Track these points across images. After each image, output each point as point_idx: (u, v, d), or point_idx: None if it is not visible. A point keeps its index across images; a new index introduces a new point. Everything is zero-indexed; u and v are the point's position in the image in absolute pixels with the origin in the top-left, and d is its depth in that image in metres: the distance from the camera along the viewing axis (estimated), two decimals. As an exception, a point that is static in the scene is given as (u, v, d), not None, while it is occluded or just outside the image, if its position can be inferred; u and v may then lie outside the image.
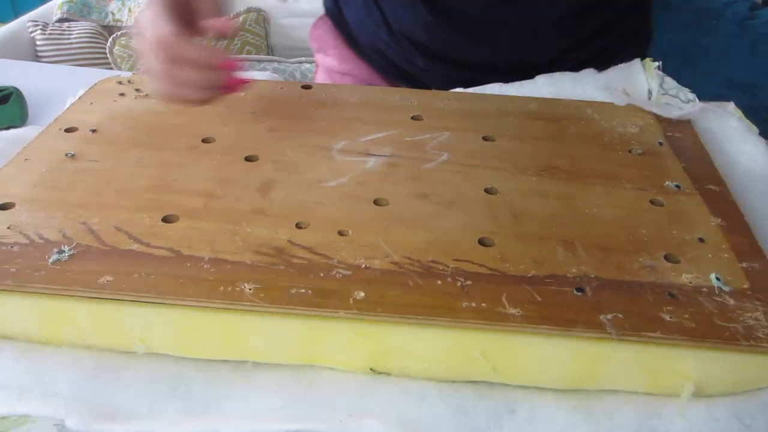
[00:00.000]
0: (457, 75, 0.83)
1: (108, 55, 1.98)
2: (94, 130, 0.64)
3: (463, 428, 0.45)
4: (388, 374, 0.48)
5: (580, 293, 0.47)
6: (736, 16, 1.57)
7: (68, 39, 1.99)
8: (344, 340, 0.47)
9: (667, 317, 0.45)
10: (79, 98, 0.71)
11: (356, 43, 0.93)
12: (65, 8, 2.08)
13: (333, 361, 0.48)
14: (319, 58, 1.01)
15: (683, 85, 0.81)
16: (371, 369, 0.48)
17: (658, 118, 0.70)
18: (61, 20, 2.07)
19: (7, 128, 0.78)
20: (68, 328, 0.48)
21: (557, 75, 0.79)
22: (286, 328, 0.46)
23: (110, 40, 1.97)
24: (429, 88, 0.77)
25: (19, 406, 0.45)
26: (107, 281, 0.46)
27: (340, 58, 0.96)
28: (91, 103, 0.69)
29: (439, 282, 0.47)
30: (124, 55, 1.94)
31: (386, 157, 0.61)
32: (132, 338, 0.48)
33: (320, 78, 1.01)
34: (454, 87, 0.80)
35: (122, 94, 0.71)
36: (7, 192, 0.55)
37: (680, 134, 0.67)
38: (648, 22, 0.93)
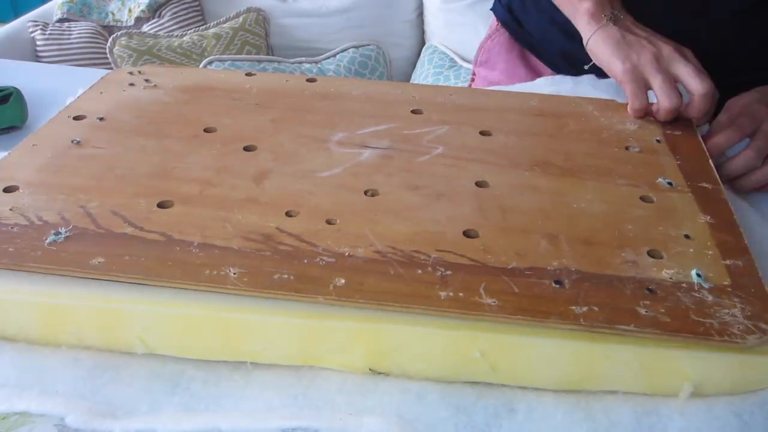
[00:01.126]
0: None
1: (108, 55, 2.00)
2: (101, 118, 0.66)
3: (462, 427, 0.45)
4: (387, 375, 0.48)
5: (558, 286, 0.47)
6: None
7: (68, 39, 2.01)
8: (343, 340, 0.47)
9: (642, 311, 0.45)
10: (90, 87, 0.73)
11: (537, 51, 0.94)
12: (65, 8, 2.10)
13: (332, 362, 0.48)
14: (481, 71, 1.02)
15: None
16: (370, 369, 0.48)
17: (659, 116, 0.70)
18: (61, 20, 2.09)
19: (8, 128, 0.80)
20: (68, 328, 0.49)
21: (558, 77, 0.79)
22: (285, 328, 0.47)
23: (110, 40, 1.99)
24: None
25: (19, 403, 0.46)
26: (99, 262, 0.48)
27: (509, 74, 0.96)
28: (101, 93, 0.71)
29: (420, 271, 0.48)
30: (124, 55, 1.96)
31: (382, 149, 0.62)
32: (131, 338, 0.49)
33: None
34: None
35: (132, 84, 0.73)
36: (12, 176, 0.57)
37: (680, 132, 0.67)
38: None
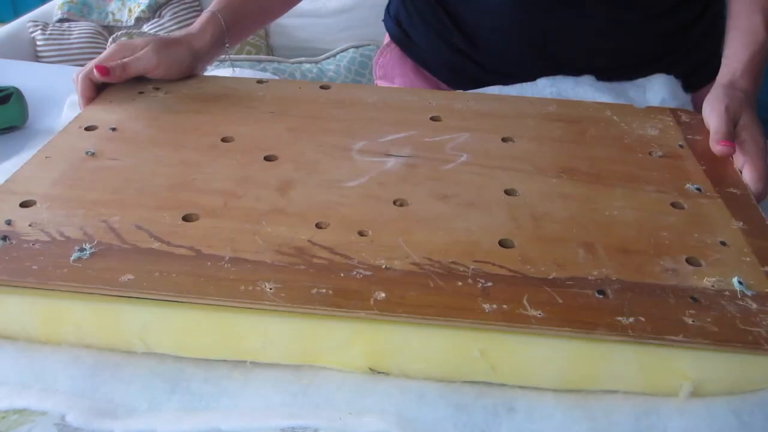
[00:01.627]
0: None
1: None
2: (113, 129, 0.65)
3: (462, 426, 0.45)
4: (387, 374, 0.48)
5: (601, 296, 0.47)
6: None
7: (68, 39, 1.99)
8: (342, 340, 0.47)
9: (689, 321, 0.45)
10: (99, 96, 0.71)
11: (426, 65, 0.94)
12: (65, 8, 2.08)
13: (332, 361, 0.48)
14: (380, 84, 1.01)
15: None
16: (370, 369, 0.48)
17: (678, 120, 0.70)
18: (61, 20, 2.07)
19: (8, 128, 0.79)
20: (68, 327, 0.49)
21: (559, 78, 0.79)
22: (285, 327, 0.46)
23: (110, 40, 1.98)
24: None
25: (19, 401, 0.45)
26: (128, 279, 0.47)
27: (407, 85, 0.96)
28: (110, 102, 0.70)
29: (460, 283, 0.47)
30: None
31: (405, 157, 0.61)
32: (131, 337, 0.48)
33: None
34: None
35: (141, 93, 0.71)
36: (28, 190, 0.55)
37: (700, 137, 0.67)
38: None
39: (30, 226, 0.51)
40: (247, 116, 0.68)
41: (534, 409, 0.46)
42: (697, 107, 0.79)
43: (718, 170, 0.62)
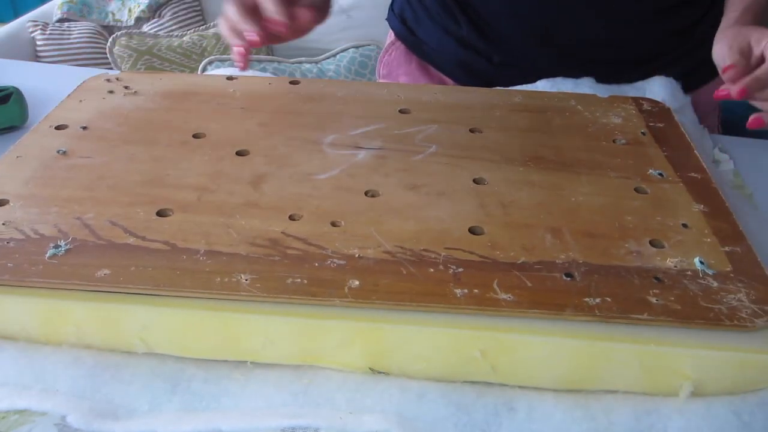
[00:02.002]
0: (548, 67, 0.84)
1: (108, 55, 1.97)
2: (84, 127, 0.65)
3: (462, 426, 0.45)
4: (387, 373, 0.48)
5: (568, 278, 0.48)
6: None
7: (68, 39, 1.98)
8: (342, 340, 0.47)
9: (653, 300, 0.46)
10: (68, 96, 0.71)
11: (434, 62, 0.94)
12: (65, 8, 2.07)
13: (332, 361, 0.48)
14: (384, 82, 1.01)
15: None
16: (370, 368, 0.48)
17: (640, 109, 0.71)
18: (61, 20, 2.06)
19: (8, 128, 0.79)
20: (68, 327, 0.49)
21: (559, 79, 0.80)
22: (285, 327, 0.47)
23: (110, 40, 1.96)
24: None
25: (19, 401, 0.45)
26: (104, 274, 0.47)
27: (412, 82, 0.96)
28: (81, 101, 0.70)
29: (432, 270, 0.48)
30: (124, 55, 1.93)
31: (375, 149, 0.62)
32: (131, 337, 0.48)
33: None
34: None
35: (111, 92, 0.71)
36: (0, 189, 0.56)
37: (662, 124, 0.69)
38: None
39: (3, 225, 0.52)
40: (218, 112, 0.68)
41: (534, 409, 0.46)
42: (697, 106, 0.81)
43: (680, 156, 0.63)
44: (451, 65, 0.93)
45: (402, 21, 0.97)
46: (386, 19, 1.02)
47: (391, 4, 1.01)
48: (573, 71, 0.83)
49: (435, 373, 0.48)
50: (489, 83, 0.85)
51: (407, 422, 0.45)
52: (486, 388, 0.48)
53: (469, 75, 0.91)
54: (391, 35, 1.01)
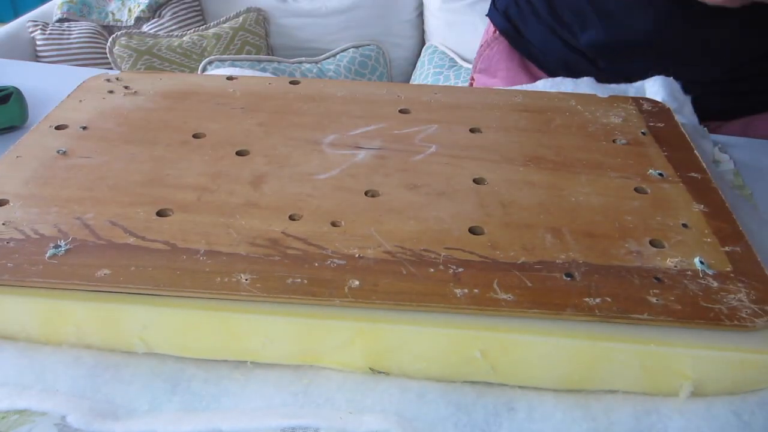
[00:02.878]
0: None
1: (108, 55, 1.98)
2: (84, 127, 0.65)
3: (462, 426, 0.45)
4: (387, 374, 0.48)
5: (569, 278, 0.48)
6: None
7: (68, 39, 1.99)
8: (343, 340, 0.47)
9: (653, 300, 0.46)
10: (68, 96, 0.71)
11: (538, 61, 0.94)
12: (65, 8, 2.08)
13: (332, 361, 0.48)
14: (480, 77, 1.01)
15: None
16: (370, 368, 0.48)
17: (641, 109, 0.71)
18: (61, 20, 2.07)
19: (8, 128, 0.79)
20: (68, 327, 0.49)
21: (559, 79, 0.80)
22: (285, 327, 0.47)
23: (110, 40, 1.97)
24: None
25: (19, 401, 0.46)
26: (105, 274, 0.47)
27: (510, 81, 0.96)
28: (80, 101, 0.70)
29: (432, 270, 0.48)
30: (124, 55, 1.94)
31: (376, 149, 0.62)
32: (131, 337, 0.48)
33: None
34: None
35: (111, 92, 0.71)
36: (0, 189, 0.56)
37: (662, 124, 0.69)
38: None
39: (3, 225, 0.52)
40: (218, 112, 0.68)
41: (534, 409, 0.46)
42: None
43: (680, 156, 0.63)
44: (555, 66, 0.93)
45: (506, 17, 0.97)
46: (487, 14, 1.02)
47: (494, 1, 1.01)
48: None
49: (435, 373, 0.48)
50: None
51: (407, 422, 0.45)
52: (486, 388, 0.48)
53: (573, 74, 0.89)
54: (489, 31, 1.01)
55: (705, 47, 0.84)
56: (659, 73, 0.82)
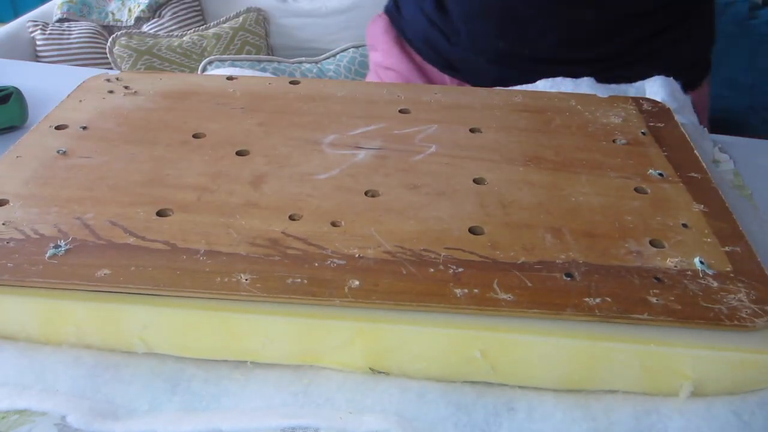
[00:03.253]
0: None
1: (108, 55, 1.98)
2: (84, 127, 0.65)
3: (462, 426, 0.45)
4: (387, 374, 0.48)
5: (569, 278, 0.48)
6: (736, 16, 1.57)
7: (68, 39, 1.99)
8: (343, 339, 0.47)
9: (653, 300, 0.46)
10: (68, 96, 0.71)
11: (406, 35, 0.98)
12: (65, 8, 2.08)
13: (331, 361, 0.48)
14: (371, 56, 1.05)
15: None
16: (370, 368, 0.48)
17: (640, 109, 0.71)
18: (61, 20, 2.07)
19: (8, 128, 0.79)
20: (68, 327, 0.49)
21: (559, 79, 0.80)
22: (285, 327, 0.47)
23: (110, 40, 1.97)
24: (474, 78, 0.84)
25: (19, 401, 0.46)
26: (105, 274, 0.47)
27: (387, 53, 0.99)
28: (80, 101, 0.70)
29: (432, 270, 0.48)
30: (124, 55, 1.94)
31: (376, 149, 0.62)
32: (132, 337, 0.48)
33: (369, 77, 1.05)
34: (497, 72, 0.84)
35: (111, 92, 0.71)
36: (0, 189, 0.56)
37: (662, 124, 0.69)
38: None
39: (3, 224, 0.52)
40: (218, 112, 0.68)
41: (534, 409, 0.46)
42: None
43: (680, 156, 0.63)
44: (420, 41, 0.96)
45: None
46: None
47: None
48: (531, 69, 0.85)
49: (435, 373, 0.48)
50: (450, 65, 0.91)
51: (407, 422, 0.45)
52: (486, 388, 0.48)
53: (436, 53, 0.94)
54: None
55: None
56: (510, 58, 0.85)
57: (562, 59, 0.87)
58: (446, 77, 0.96)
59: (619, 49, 0.88)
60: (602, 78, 0.81)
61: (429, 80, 0.97)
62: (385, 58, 1.00)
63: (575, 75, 0.83)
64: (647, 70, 0.83)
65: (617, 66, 0.80)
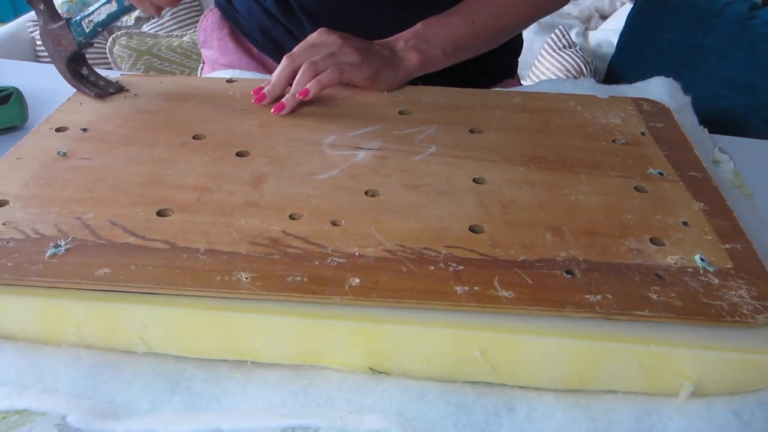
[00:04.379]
0: None
1: (108, 55, 1.98)
2: (84, 129, 0.65)
3: (462, 426, 0.45)
4: (388, 373, 0.48)
5: (569, 276, 0.48)
6: (736, 16, 1.57)
7: None
8: (343, 339, 0.47)
9: (654, 296, 0.46)
10: (68, 99, 0.71)
11: (242, 28, 0.96)
12: (65, 8, 2.08)
13: (332, 361, 0.48)
14: (204, 52, 1.04)
15: (683, 85, 0.82)
16: (370, 368, 0.48)
17: (640, 109, 0.72)
18: None
19: (8, 128, 0.79)
20: (68, 327, 0.48)
21: (558, 79, 0.80)
22: (285, 327, 0.47)
23: (110, 40, 1.97)
24: None
25: (20, 401, 0.45)
26: (105, 273, 0.47)
27: (222, 49, 0.98)
28: (81, 104, 0.70)
29: (432, 268, 0.48)
30: (124, 55, 1.94)
31: (375, 150, 0.62)
32: (132, 336, 0.48)
33: (206, 72, 1.03)
34: None
35: (111, 93, 0.72)
36: (0, 189, 0.56)
37: (662, 124, 0.69)
38: None
39: (3, 225, 0.52)
40: (218, 114, 0.68)
41: (534, 409, 0.46)
42: None
43: (680, 155, 0.63)
44: (255, 31, 0.95)
45: None
46: None
47: None
48: None
49: (435, 373, 0.48)
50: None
51: (407, 422, 0.45)
52: (486, 388, 0.48)
53: (271, 42, 0.93)
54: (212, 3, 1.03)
55: None
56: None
57: None
58: None
59: None
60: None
61: (268, 73, 0.93)
62: (221, 55, 0.99)
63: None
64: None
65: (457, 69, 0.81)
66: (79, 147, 0.62)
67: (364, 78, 0.72)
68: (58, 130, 0.65)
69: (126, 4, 0.68)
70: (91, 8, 0.68)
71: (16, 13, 2.65)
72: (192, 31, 2.08)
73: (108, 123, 0.66)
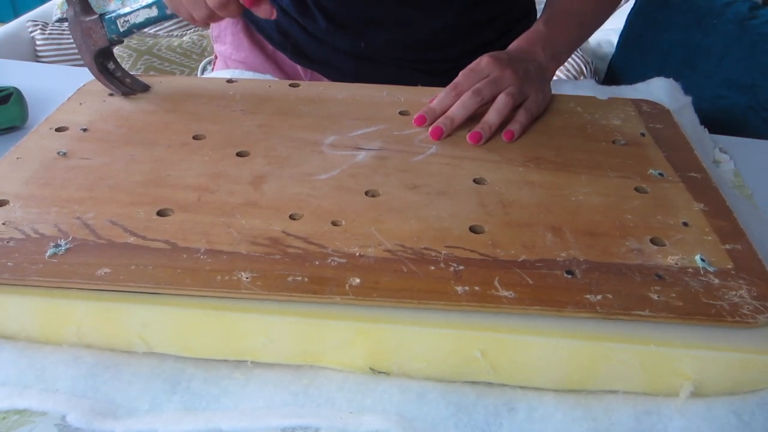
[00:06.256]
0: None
1: None
2: (84, 129, 0.65)
3: (462, 426, 0.45)
4: (388, 374, 0.48)
5: (569, 276, 0.48)
6: (736, 16, 1.57)
7: (68, 39, 1.98)
8: (343, 339, 0.47)
9: (654, 296, 0.46)
10: (68, 99, 0.71)
11: (258, 25, 0.96)
12: (65, 8, 2.07)
13: (332, 361, 0.48)
14: (216, 47, 1.03)
15: (683, 85, 0.82)
16: (371, 368, 0.48)
17: (640, 110, 0.72)
18: (61, 20, 2.06)
19: (8, 128, 0.79)
20: (68, 326, 0.48)
21: (559, 80, 0.81)
22: (285, 326, 0.47)
23: None
24: (329, 70, 0.85)
25: (20, 401, 0.45)
26: (105, 273, 0.47)
27: (236, 45, 0.98)
28: (81, 104, 0.70)
29: (433, 267, 0.48)
30: (124, 55, 1.94)
31: (375, 150, 0.62)
32: (132, 336, 0.48)
33: (218, 68, 1.03)
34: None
35: (111, 94, 0.72)
36: (0, 189, 0.56)
37: (661, 125, 0.69)
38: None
39: (3, 224, 0.51)
40: (218, 114, 0.68)
41: (534, 409, 0.46)
42: None
43: (679, 156, 0.63)
44: (270, 29, 0.94)
45: None
46: None
47: None
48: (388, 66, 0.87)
49: (435, 374, 0.48)
50: (305, 56, 0.91)
51: (407, 422, 0.45)
52: (486, 388, 0.48)
53: (286, 39, 0.92)
54: None
55: None
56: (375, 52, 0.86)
57: (419, 59, 0.89)
58: (298, 67, 0.95)
59: (464, 51, 0.88)
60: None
61: (281, 71, 0.96)
62: (234, 51, 0.98)
63: (430, 73, 0.85)
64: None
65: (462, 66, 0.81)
66: (79, 147, 0.62)
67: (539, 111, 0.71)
68: (58, 130, 0.65)
69: (168, 12, 0.67)
70: (129, 8, 0.68)
71: (16, 13, 2.65)
72: (192, 31, 2.07)
73: (108, 123, 0.66)
